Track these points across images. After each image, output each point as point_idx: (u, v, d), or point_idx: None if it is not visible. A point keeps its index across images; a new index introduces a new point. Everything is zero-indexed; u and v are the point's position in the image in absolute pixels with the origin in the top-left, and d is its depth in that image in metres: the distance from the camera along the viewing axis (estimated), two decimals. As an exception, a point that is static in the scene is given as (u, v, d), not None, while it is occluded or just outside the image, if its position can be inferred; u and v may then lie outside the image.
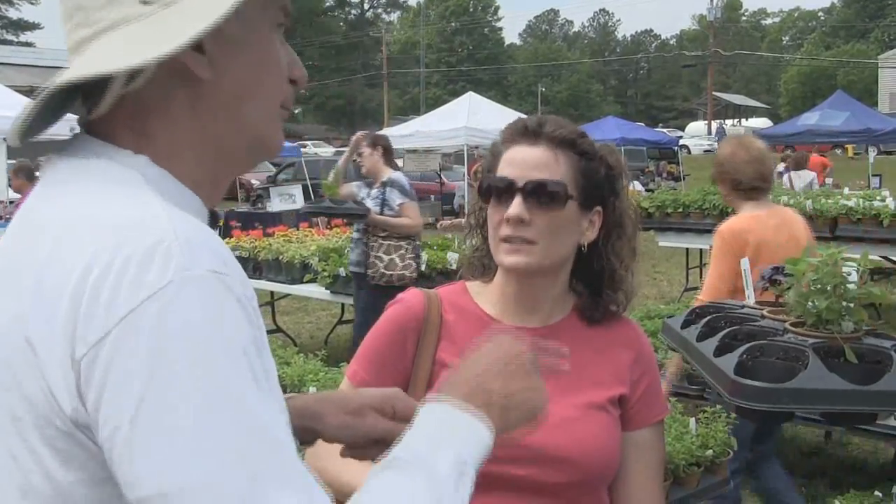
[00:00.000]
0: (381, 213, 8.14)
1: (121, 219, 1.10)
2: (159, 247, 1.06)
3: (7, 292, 1.13)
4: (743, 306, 3.19)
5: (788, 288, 2.70)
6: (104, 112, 1.20)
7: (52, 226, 1.14)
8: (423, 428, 1.31)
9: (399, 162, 32.50)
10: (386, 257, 8.08)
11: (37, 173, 10.33)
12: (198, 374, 1.02)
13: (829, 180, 20.81)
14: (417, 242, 8.44)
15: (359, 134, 8.98)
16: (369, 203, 8.35)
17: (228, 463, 1.01)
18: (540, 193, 2.05)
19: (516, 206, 2.05)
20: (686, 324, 3.09)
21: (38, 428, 1.08)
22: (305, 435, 1.58)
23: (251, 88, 1.27)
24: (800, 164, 18.18)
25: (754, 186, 5.31)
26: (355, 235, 8.54)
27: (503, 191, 2.09)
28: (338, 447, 1.74)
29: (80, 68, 1.16)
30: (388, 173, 8.36)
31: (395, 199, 8.12)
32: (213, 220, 1.37)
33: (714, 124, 74.23)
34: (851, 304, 2.62)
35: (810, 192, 10.91)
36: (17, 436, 1.09)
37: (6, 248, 1.20)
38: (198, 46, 1.19)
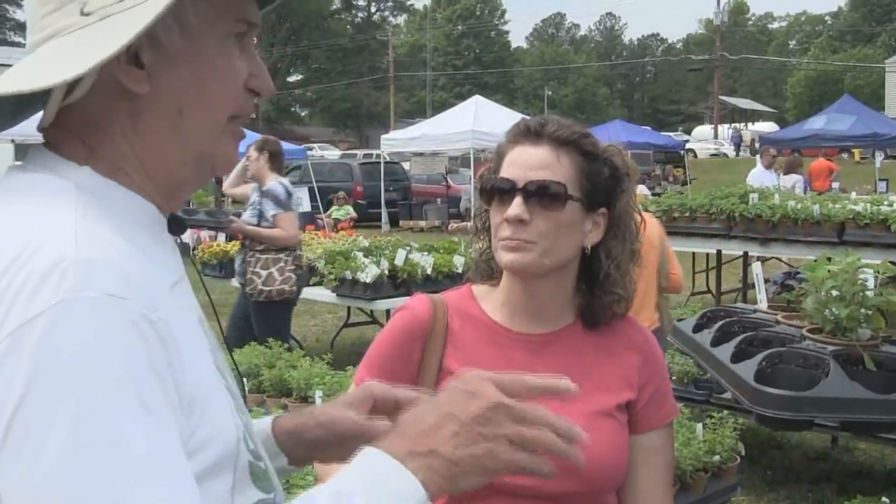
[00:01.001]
0: (259, 224, 7.89)
1: (29, 235, 1.09)
2: (58, 266, 1.05)
3: None
4: (755, 311, 3.18)
5: (803, 294, 2.68)
6: (50, 122, 1.22)
7: None
8: (349, 471, 1.21)
9: (406, 165, 32.70)
10: (263, 272, 7.83)
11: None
12: (70, 401, 1.00)
13: (835, 185, 20.77)
14: (298, 253, 8.17)
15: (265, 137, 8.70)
16: (248, 212, 8.10)
17: (89, 492, 0.98)
18: (540, 194, 2.04)
19: (516, 206, 2.04)
20: (698, 327, 3.08)
21: None
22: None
23: (193, 102, 1.25)
24: (791, 168, 18.22)
25: None
26: (240, 246, 8.33)
27: (504, 191, 2.08)
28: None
29: (14, 83, 1.15)
30: (270, 180, 7.99)
31: (269, 209, 7.85)
32: (178, 226, 1.35)
33: (727, 128, 74.31)
34: (870, 312, 2.61)
35: (816, 197, 10.88)
36: None
37: None
38: (136, 61, 1.19)
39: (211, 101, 1.27)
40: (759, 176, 16.59)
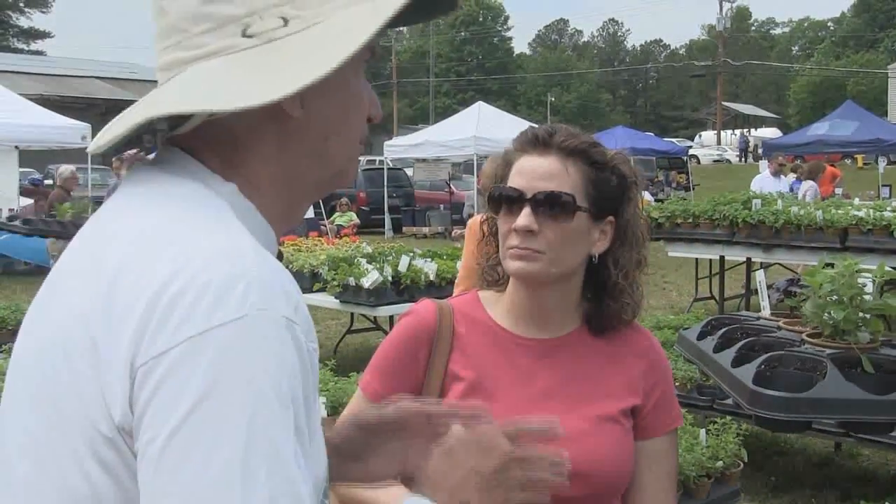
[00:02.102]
0: None
1: (208, 244, 1.10)
2: (242, 280, 1.06)
3: (73, 291, 1.14)
4: (758, 318, 3.21)
5: (805, 299, 2.69)
6: (187, 131, 1.21)
7: (129, 235, 1.14)
8: None
9: (409, 171, 32.68)
10: None
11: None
12: (245, 413, 1.02)
13: (838, 190, 20.75)
14: None
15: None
16: None
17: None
18: (548, 204, 2.04)
19: (525, 216, 2.04)
20: (702, 335, 3.11)
21: (82, 428, 1.08)
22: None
23: (337, 127, 1.28)
24: (812, 174, 18.00)
25: None
26: None
27: (512, 201, 2.08)
28: None
29: (180, 102, 1.15)
30: None
31: None
32: (280, 256, 1.37)
33: (730, 134, 74.22)
34: (868, 315, 2.62)
35: (819, 203, 10.89)
36: (61, 433, 1.10)
37: (75, 249, 1.21)
38: None
39: (351, 128, 1.30)
40: (764, 182, 16.51)
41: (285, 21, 1.19)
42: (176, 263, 1.07)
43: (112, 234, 1.16)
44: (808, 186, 17.02)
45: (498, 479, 1.49)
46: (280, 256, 1.35)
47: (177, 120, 1.20)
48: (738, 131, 75.19)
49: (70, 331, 1.11)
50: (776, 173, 17.71)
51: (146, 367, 1.03)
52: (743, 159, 59.65)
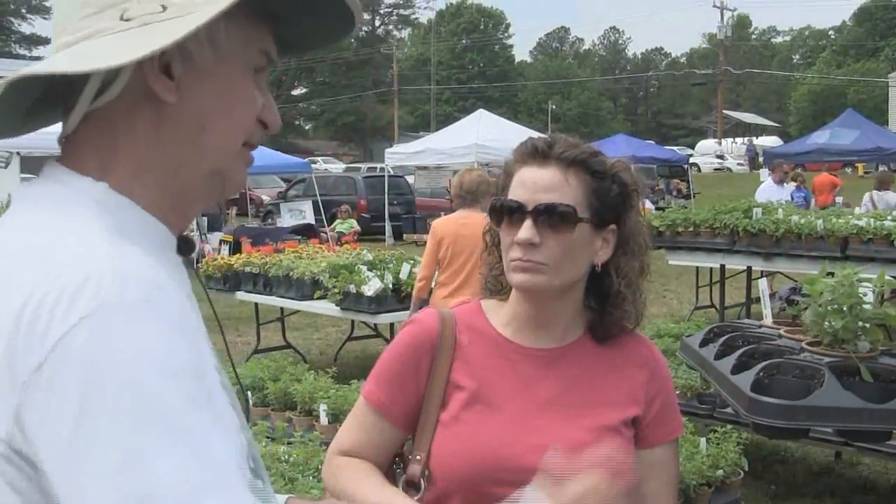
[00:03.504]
0: None
1: (59, 249, 1.13)
2: (91, 277, 1.09)
3: None
4: (760, 326, 3.21)
5: (806, 308, 2.70)
6: (72, 129, 1.26)
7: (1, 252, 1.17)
8: None
9: (410, 178, 32.69)
10: None
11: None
12: (127, 397, 1.04)
13: (839, 199, 20.77)
14: None
15: None
16: None
17: (160, 478, 1.03)
18: (550, 217, 2.04)
19: (526, 229, 2.03)
20: (704, 342, 3.12)
21: None
22: None
23: (215, 118, 1.30)
24: (883, 184, 17.73)
25: (460, 198, 7.80)
26: None
27: (514, 213, 2.07)
28: (356, 466, 1.76)
29: (51, 66, 1.21)
30: None
31: None
32: (186, 246, 1.39)
33: (735, 142, 74.11)
34: (867, 325, 2.62)
35: (821, 212, 10.88)
36: None
37: None
38: (167, 72, 1.24)
39: (230, 123, 1.32)
40: (769, 191, 16.43)
41: (164, 7, 1.24)
42: (32, 276, 1.10)
43: None
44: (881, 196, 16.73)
45: None
46: (187, 245, 1.39)
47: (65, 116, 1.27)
48: (738, 140, 75.18)
49: None
50: (780, 182, 17.59)
51: (30, 385, 1.05)
52: (752, 168, 59.35)
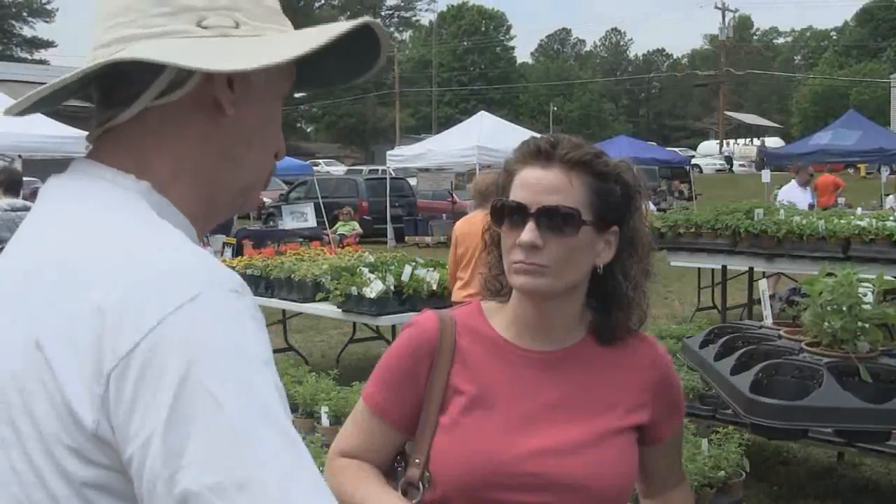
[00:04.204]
0: None
1: (138, 241, 1.14)
2: (184, 267, 1.12)
3: (10, 311, 1.16)
4: (760, 327, 3.22)
5: (805, 308, 2.70)
6: (121, 122, 1.25)
7: (58, 246, 1.17)
8: None
9: (411, 181, 32.68)
10: None
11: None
12: (227, 380, 1.06)
13: (840, 200, 20.75)
14: None
15: None
16: None
17: (261, 463, 1.04)
18: (553, 219, 2.00)
19: (528, 232, 1.99)
20: (704, 343, 3.12)
21: (42, 443, 1.09)
22: None
23: (258, 137, 1.34)
24: None
25: (475, 199, 8.31)
26: None
27: (515, 215, 2.04)
28: (356, 468, 1.76)
29: (154, 53, 1.20)
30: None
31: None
32: None
33: (738, 143, 73.77)
34: (867, 325, 2.62)
35: (823, 213, 10.87)
36: (20, 449, 1.11)
37: (4, 268, 1.23)
38: (229, 84, 1.26)
39: (267, 145, 1.37)
40: (793, 193, 16.25)
41: (237, 24, 1.28)
42: (113, 267, 1.11)
43: (40, 248, 1.20)
44: None
45: None
46: None
47: (117, 112, 1.26)
48: (741, 141, 75.00)
49: (15, 349, 1.13)
50: (804, 184, 17.30)
51: (118, 371, 1.05)
52: (761, 170, 58.93)
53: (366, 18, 1.31)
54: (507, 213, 2.06)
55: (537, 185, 2.04)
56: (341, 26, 1.28)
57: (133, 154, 1.26)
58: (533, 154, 2.08)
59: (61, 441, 1.08)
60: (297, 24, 1.39)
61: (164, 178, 1.26)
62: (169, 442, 1.03)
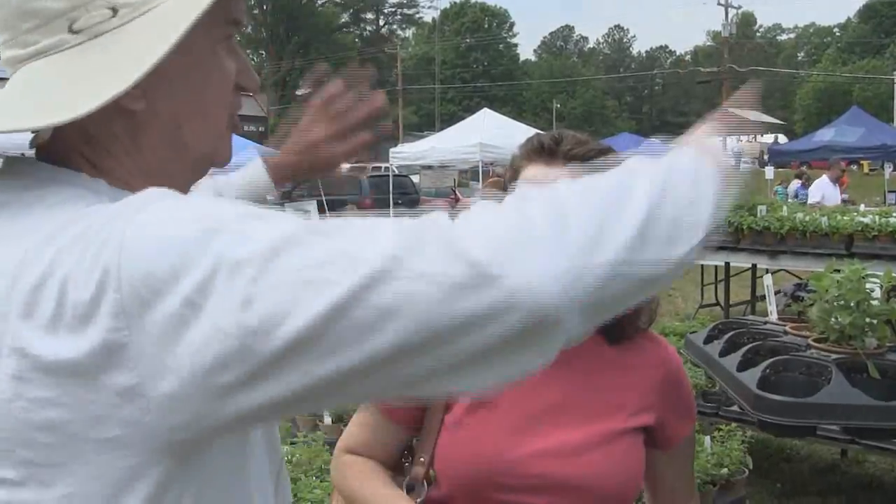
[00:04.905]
0: None
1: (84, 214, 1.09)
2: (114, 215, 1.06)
3: None
4: (765, 322, 3.20)
5: (811, 304, 2.68)
6: (45, 139, 1.20)
7: (26, 241, 1.08)
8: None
9: (414, 178, 32.72)
10: None
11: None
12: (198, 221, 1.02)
13: (844, 196, 20.73)
14: None
15: None
16: None
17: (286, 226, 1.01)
18: None
19: None
20: (709, 339, 3.11)
21: None
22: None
23: (190, 111, 1.23)
24: None
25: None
26: None
27: None
28: (361, 464, 1.75)
29: (11, 119, 1.13)
30: None
31: None
32: None
33: (741, 140, 73.66)
34: (875, 321, 2.60)
35: (825, 208, 10.86)
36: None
37: None
38: None
39: (207, 109, 1.26)
40: (825, 188, 16.07)
41: (114, 11, 1.14)
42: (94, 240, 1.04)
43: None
44: None
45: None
46: None
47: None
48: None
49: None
50: (836, 180, 17.04)
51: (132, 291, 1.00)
52: (761, 166, 59.01)
53: None
54: None
55: (540, 182, 2.01)
56: None
57: (81, 157, 1.21)
58: (537, 151, 2.07)
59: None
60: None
61: (115, 178, 1.20)
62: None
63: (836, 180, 16.96)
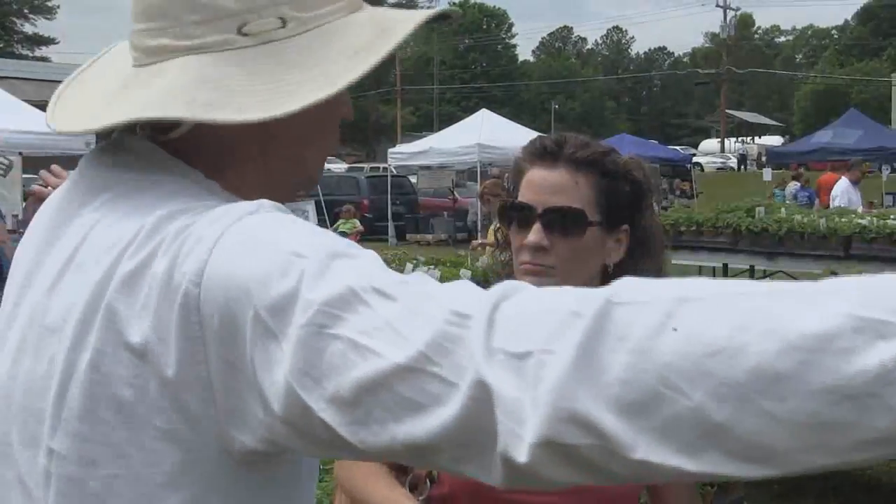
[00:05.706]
0: None
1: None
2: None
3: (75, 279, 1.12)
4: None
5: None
6: (182, 133, 1.20)
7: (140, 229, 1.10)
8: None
9: (412, 178, 32.66)
10: None
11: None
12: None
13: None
14: None
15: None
16: None
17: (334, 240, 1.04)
18: (559, 220, 1.98)
19: (535, 233, 1.98)
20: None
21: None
22: None
23: (314, 134, 1.28)
24: None
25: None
26: None
27: (522, 216, 2.02)
28: (365, 465, 1.80)
29: (173, 106, 1.13)
30: None
31: None
32: None
33: (738, 141, 73.75)
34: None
35: (823, 211, 10.87)
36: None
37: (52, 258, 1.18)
38: None
39: (326, 135, 1.31)
40: (847, 189, 15.83)
41: (283, 22, 1.17)
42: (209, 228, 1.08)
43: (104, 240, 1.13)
44: None
45: None
46: None
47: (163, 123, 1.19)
48: (739, 139, 75.06)
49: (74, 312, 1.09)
50: (856, 182, 16.60)
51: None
52: (744, 167, 59.06)
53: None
54: (515, 214, 2.06)
55: (543, 185, 2.02)
56: (417, 15, 1.22)
57: (201, 160, 1.22)
58: (539, 154, 2.06)
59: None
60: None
61: (231, 179, 1.22)
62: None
63: (857, 182, 16.57)
